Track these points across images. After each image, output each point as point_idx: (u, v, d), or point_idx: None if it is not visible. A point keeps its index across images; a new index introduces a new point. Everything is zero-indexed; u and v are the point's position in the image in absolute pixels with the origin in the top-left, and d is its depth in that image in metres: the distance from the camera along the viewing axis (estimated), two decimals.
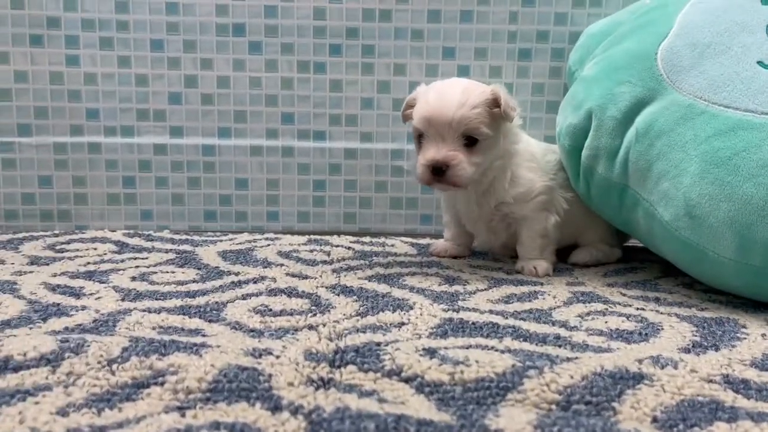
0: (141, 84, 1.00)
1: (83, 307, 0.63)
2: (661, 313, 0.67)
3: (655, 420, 0.43)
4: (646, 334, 0.60)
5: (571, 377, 0.47)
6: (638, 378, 0.48)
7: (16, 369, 0.47)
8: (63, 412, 0.42)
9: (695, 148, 0.69)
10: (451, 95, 0.75)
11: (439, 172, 0.75)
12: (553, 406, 0.45)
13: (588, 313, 0.66)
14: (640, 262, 0.91)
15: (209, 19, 0.99)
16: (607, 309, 0.68)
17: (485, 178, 0.80)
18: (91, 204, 1.02)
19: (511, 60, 1.01)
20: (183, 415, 0.42)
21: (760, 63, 0.70)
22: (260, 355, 0.50)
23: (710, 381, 0.49)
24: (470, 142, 0.76)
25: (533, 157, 0.83)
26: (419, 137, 0.78)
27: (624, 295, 0.74)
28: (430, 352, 0.51)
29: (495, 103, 0.76)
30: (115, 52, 0.99)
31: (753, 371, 0.51)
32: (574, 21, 1.00)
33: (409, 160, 1.04)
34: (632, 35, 0.81)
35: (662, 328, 0.62)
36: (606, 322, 0.63)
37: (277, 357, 0.50)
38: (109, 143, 1.01)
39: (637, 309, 0.68)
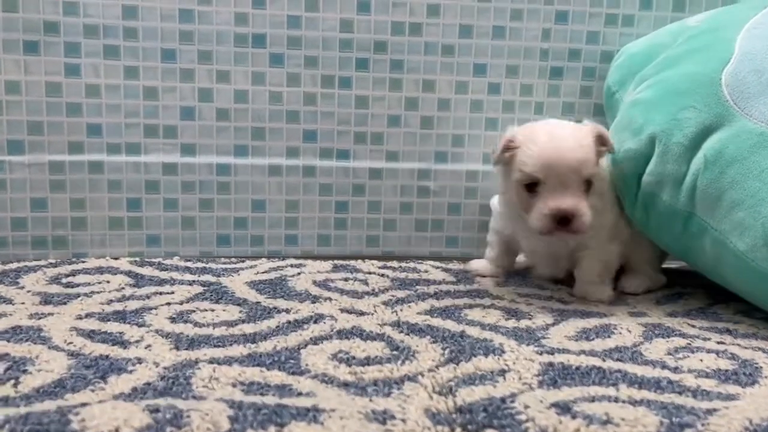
0: (150, 97, 0.91)
1: (138, 360, 0.56)
2: (745, 348, 0.65)
3: None
4: (750, 374, 0.58)
5: None
6: None
7: None
8: None
9: None
10: (566, 137, 0.73)
11: (564, 221, 0.71)
12: None
13: (675, 350, 0.64)
14: (683, 287, 0.90)
15: (227, 29, 0.92)
16: (689, 344, 0.65)
17: None
18: (90, 229, 0.92)
19: (543, 78, 0.99)
20: None
21: None
22: (384, 421, 0.45)
23: None
24: (588, 186, 0.73)
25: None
26: (530, 185, 0.73)
27: (693, 326, 0.72)
28: (564, 409, 0.47)
29: (600, 141, 0.75)
30: (122, 61, 0.90)
31: None
32: (606, 40, 0.98)
33: (435, 181, 0.99)
34: (689, 58, 0.79)
35: (760, 366, 0.60)
36: (701, 360, 0.61)
37: (403, 421, 0.45)
38: (112, 162, 0.92)
39: (718, 343, 0.66)
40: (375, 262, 0.97)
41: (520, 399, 0.49)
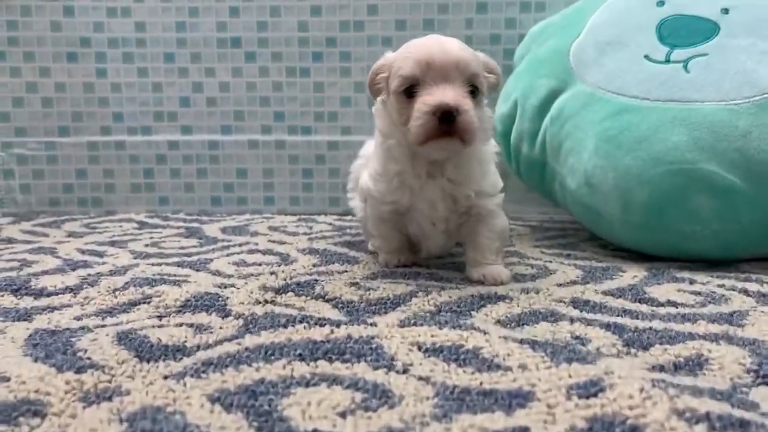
0: (156, 90, 1.20)
1: (104, 263, 0.82)
2: (564, 264, 0.82)
3: (498, 322, 0.59)
4: (537, 276, 0.75)
5: (449, 298, 0.63)
6: (498, 298, 0.63)
7: (49, 295, 0.66)
8: (78, 318, 0.60)
9: (592, 129, 0.83)
10: (447, 40, 0.66)
11: (449, 119, 0.61)
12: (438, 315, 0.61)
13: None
14: (573, 230, 1.05)
15: (211, 34, 1.18)
16: (519, 261, 0.83)
17: (461, 161, 0.69)
18: (118, 192, 1.22)
19: None
20: (159, 319, 0.60)
21: (646, 57, 0.84)
22: (225, 287, 0.68)
23: (560, 302, 0.64)
24: (473, 92, 0.65)
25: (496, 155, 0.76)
26: (408, 90, 0.64)
27: (544, 252, 0.89)
28: (356, 285, 0.68)
29: (487, 67, 0.68)
30: (135, 64, 1.19)
31: (600, 297, 0.66)
32: (522, 25, 1.15)
33: None
34: (556, 35, 0.96)
35: (555, 272, 0.77)
36: (511, 269, 0.79)
37: (238, 288, 0.68)
38: (131, 141, 1.21)
39: (545, 262, 0.83)
40: (334, 216, 1.20)
41: (332, 279, 0.70)
